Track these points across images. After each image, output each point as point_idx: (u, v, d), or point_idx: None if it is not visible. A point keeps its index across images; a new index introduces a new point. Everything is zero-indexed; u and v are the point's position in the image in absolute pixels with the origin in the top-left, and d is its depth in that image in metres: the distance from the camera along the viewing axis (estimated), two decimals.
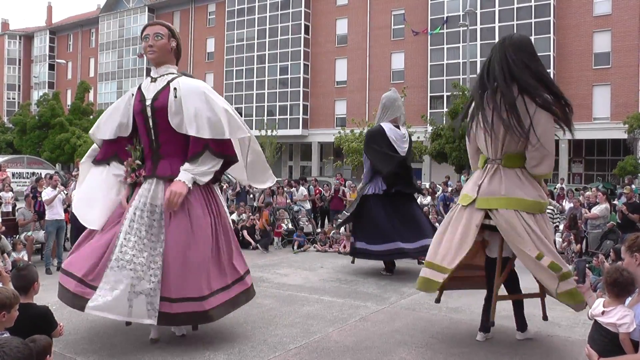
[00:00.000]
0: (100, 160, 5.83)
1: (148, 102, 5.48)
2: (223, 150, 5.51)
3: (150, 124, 5.49)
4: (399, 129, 10.05)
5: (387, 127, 9.92)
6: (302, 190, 16.91)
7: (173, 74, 5.66)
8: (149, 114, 5.46)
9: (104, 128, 5.79)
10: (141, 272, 4.95)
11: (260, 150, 6.19)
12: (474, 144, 6.08)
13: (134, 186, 5.55)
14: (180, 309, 5.04)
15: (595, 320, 3.63)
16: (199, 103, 5.33)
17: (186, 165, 5.35)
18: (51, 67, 64.78)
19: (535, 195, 5.49)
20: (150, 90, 5.56)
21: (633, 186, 14.69)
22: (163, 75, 5.61)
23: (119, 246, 5.07)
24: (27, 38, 69.47)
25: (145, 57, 5.76)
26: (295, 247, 13.31)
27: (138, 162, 5.56)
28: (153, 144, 5.53)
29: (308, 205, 16.76)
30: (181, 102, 5.35)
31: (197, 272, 5.11)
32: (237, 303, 5.59)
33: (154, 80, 5.62)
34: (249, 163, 6.05)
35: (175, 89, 5.43)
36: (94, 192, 5.73)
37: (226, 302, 5.37)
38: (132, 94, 5.68)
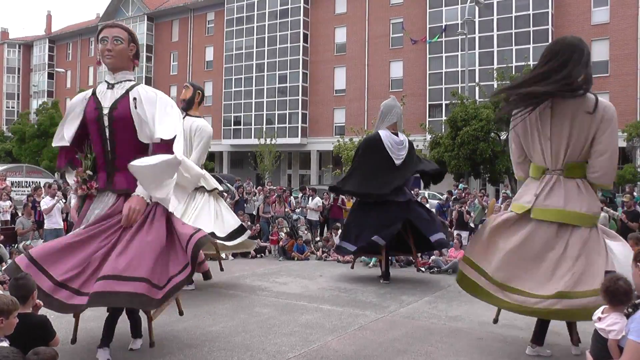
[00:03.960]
0: (59, 168, 5.55)
1: (105, 111, 5.09)
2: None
3: (107, 134, 5.11)
4: (397, 135, 10.05)
5: (383, 133, 9.91)
6: (317, 200, 16.73)
7: (130, 81, 5.31)
8: (106, 123, 5.09)
9: (63, 133, 5.32)
10: None
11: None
12: (519, 151, 5.95)
13: (84, 198, 5.23)
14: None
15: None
16: (157, 110, 5.06)
17: None
18: (50, 75, 64.86)
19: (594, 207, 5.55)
20: (107, 98, 5.16)
21: (635, 193, 14.72)
22: (120, 82, 5.24)
23: None
24: (27, 47, 69.57)
25: (103, 64, 5.28)
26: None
27: (89, 172, 5.15)
28: (108, 155, 5.16)
29: (316, 217, 16.58)
30: (143, 112, 5.04)
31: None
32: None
33: (110, 86, 5.22)
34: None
35: (135, 98, 5.09)
36: None
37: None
38: (85, 98, 5.25)
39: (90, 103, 5.19)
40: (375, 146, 9.86)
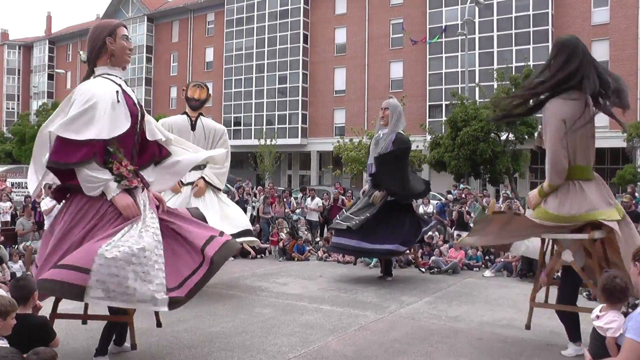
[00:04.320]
0: (78, 162, 4.70)
1: (138, 107, 5.11)
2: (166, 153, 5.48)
3: (138, 129, 5.09)
4: None
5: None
6: (317, 200, 16.74)
7: None
8: (139, 119, 5.10)
9: (107, 125, 4.77)
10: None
11: None
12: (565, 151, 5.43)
13: (131, 191, 4.93)
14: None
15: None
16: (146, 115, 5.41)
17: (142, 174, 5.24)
18: (50, 77, 64.95)
19: None
20: (133, 96, 5.15)
21: (636, 194, 14.70)
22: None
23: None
24: (27, 48, 69.66)
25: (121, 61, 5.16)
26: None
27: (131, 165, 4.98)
28: (135, 150, 5.16)
29: (316, 217, 16.56)
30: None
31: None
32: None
33: (126, 85, 5.19)
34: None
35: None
36: None
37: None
38: (117, 90, 4.90)
39: (127, 97, 5.01)
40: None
